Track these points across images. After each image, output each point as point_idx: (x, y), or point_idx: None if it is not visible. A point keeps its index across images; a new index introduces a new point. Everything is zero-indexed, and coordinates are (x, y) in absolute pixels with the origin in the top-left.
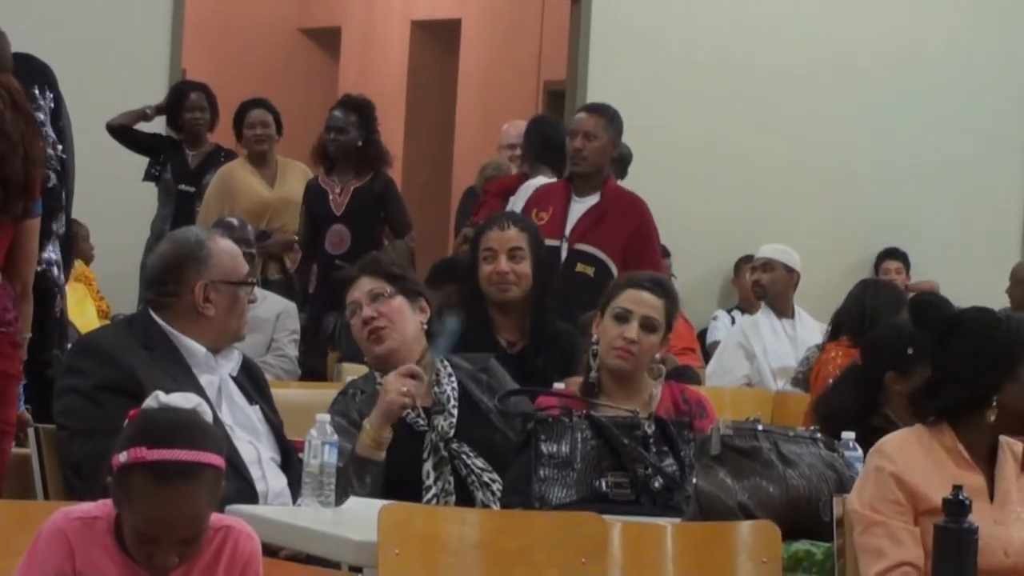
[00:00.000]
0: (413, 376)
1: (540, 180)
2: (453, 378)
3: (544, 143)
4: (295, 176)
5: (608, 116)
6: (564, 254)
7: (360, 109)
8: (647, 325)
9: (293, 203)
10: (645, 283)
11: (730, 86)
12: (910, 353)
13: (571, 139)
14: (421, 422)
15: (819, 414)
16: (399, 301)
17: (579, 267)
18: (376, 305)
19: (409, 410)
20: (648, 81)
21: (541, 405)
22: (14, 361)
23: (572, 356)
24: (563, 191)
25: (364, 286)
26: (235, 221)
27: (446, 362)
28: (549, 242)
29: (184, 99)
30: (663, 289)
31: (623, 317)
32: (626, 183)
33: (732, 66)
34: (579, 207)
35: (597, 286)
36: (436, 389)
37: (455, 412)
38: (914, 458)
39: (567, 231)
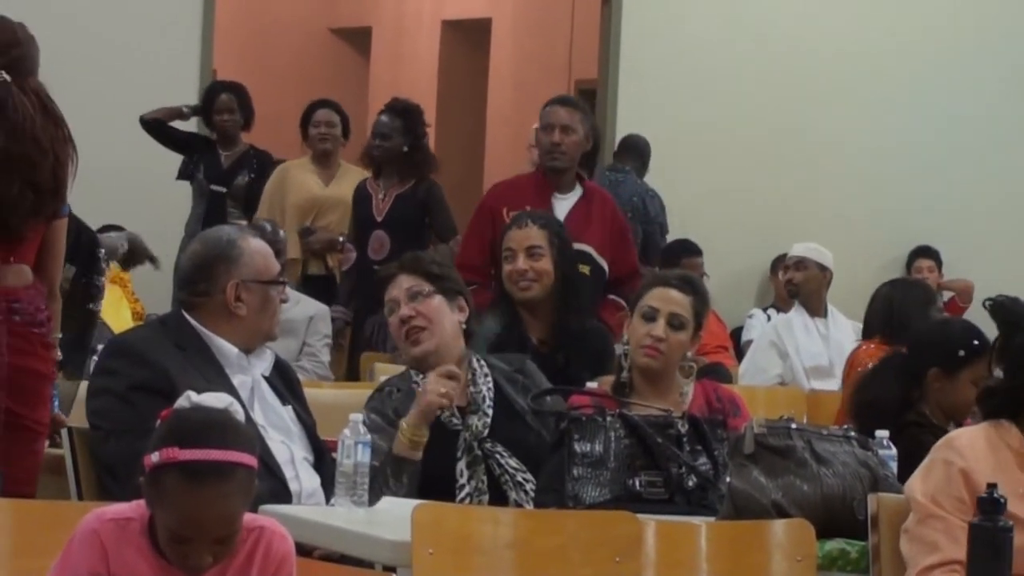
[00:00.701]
0: (451, 377)
1: None
2: (489, 378)
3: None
4: (353, 179)
5: (583, 110)
6: None
7: (406, 114)
8: (675, 323)
9: (343, 203)
10: (672, 280)
11: (763, 83)
12: (960, 355)
13: (546, 133)
14: (456, 421)
15: (857, 400)
16: (438, 300)
17: (579, 267)
18: (414, 304)
19: (444, 410)
20: (680, 79)
21: (574, 404)
22: (47, 362)
23: (604, 355)
24: (538, 187)
25: (403, 284)
26: (267, 224)
27: (482, 362)
28: None
29: (214, 100)
30: (691, 286)
31: (650, 315)
32: (658, 180)
33: (764, 63)
34: (563, 204)
35: (595, 285)
36: (472, 389)
37: (490, 412)
38: (982, 457)
39: None
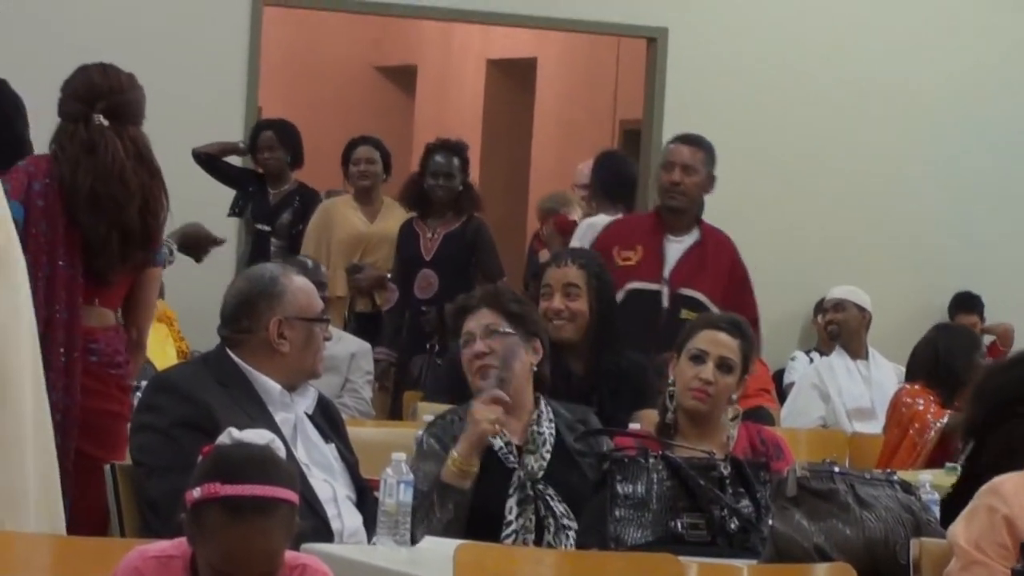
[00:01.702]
0: (498, 402)
1: (602, 218)
2: (553, 423)
3: (614, 179)
4: (397, 216)
5: (707, 149)
6: (666, 299)
7: (461, 153)
8: (723, 365)
9: (389, 240)
10: (722, 324)
11: (810, 125)
12: None
13: (666, 172)
14: (512, 459)
15: (984, 387)
16: (513, 340)
17: (684, 313)
18: (489, 341)
19: (502, 445)
20: (725, 121)
21: (618, 445)
22: (122, 403)
23: (641, 391)
24: (652, 228)
25: (482, 318)
26: (309, 262)
27: (550, 407)
28: (644, 285)
29: (257, 138)
30: (739, 330)
31: (699, 358)
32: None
33: (812, 104)
34: (677, 246)
35: None
36: (534, 428)
37: (547, 456)
38: None
39: (666, 273)
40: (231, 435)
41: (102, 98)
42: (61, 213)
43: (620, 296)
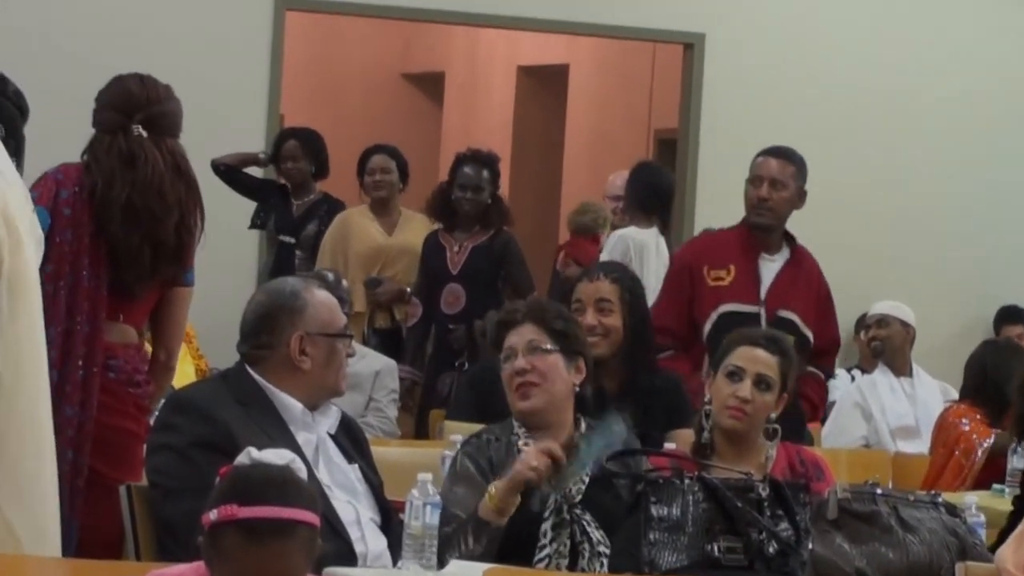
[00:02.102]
0: (553, 458)
1: (633, 231)
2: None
3: (650, 191)
4: (416, 228)
5: (797, 163)
6: (764, 322)
7: (490, 165)
8: (761, 383)
9: (410, 253)
10: (760, 340)
11: (853, 135)
12: None
13: (753, 186)
14: (550, 481)
15: None
16: (555, 358)
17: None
18: (531, 357)
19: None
20: (764, 130)
21: (652, 466)
22: (138, 422)
23: (676, 408)
24: (744, 245)
25: (525, 334)
26: (330, 275)
27: (589, 428)
28: (740, 307)
29: (280, 148)
30: (778, 346)
31: (736, 375)
32: None
33: (854, 117)
34: (771, 266)
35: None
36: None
37: (587, 480)
38: None
39: (763, 294)
40: (250, 455)
41: (140, 109)
42: (88, 223)
43: (712, 318)
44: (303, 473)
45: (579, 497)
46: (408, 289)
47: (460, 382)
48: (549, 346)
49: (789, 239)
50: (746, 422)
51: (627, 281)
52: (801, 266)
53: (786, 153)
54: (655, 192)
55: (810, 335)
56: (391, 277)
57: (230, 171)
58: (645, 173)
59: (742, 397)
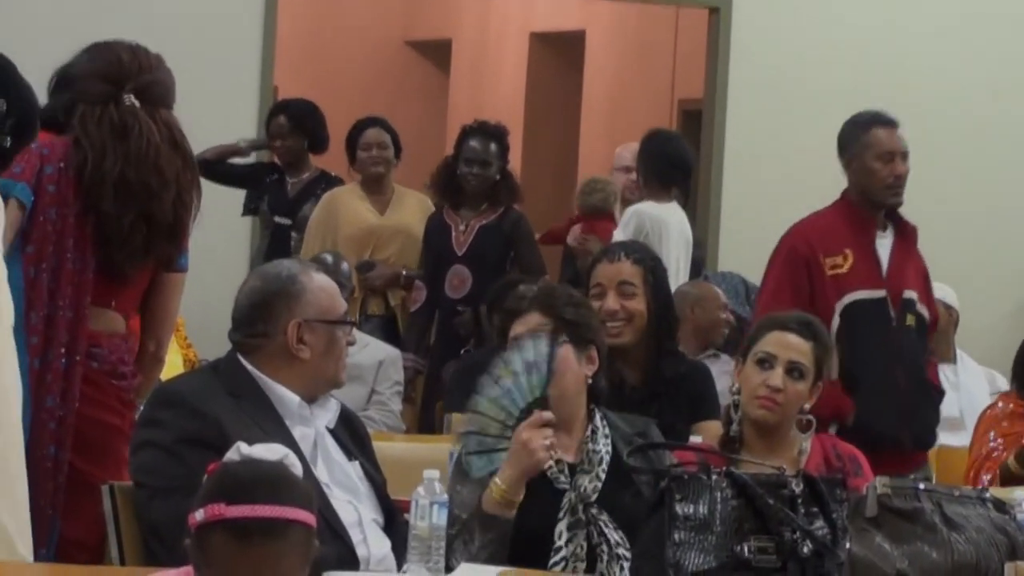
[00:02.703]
0: (548, 424)
1: (650, 206)
2: (609, 440)
3: (664, 162)
4: (411, 206)
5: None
6: (890, 307)
7: (498, 138)
8: (793, 371)
9: (404, 233)
10: (791, 324)
11: (893, 103)
12: None
13: (884, 162)
14: (563, 479)
15: None
16: (565, 350)
17: (908, 319)
18: None
19: (553, 464)
20: (798, 101)
21: (677, 461)
22: (122, 416)
23: (701, 399)
24: (855, 226)
25: (531, 323)
26: (329, 257)
27: (606, 421)
28: (866, 294)
29: (268, 126)
30: (811, 330)
31: (766, 362)
32: (771, 214)
33: (897, 80)
34: (884, 244)
35: (921, 341)
36: (589, 446)
37: (603, 476)
38: None
39: (883, 276)
40: (239, 451)
41: (131, 78)
42: (74, 202)
43: (838, 311)
44: (297, 469)
45: (595, 496)
46: (404, 272)
47: (453, 372)
48: (558, 335)
49: (891, 212)
50: (777, 412)
51: (650, 261)
52: (908, 239)
53: (895, 120)
54: (671, 162)
55: (926, 314)
56: (384, 260)
57: (208, 165)
58: (657, 142)
59: (773, 386)
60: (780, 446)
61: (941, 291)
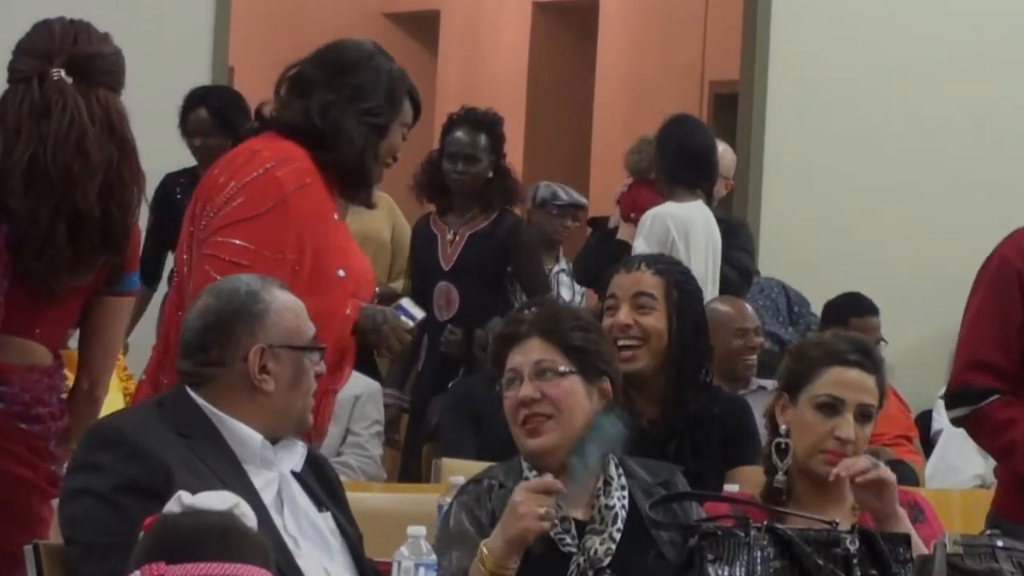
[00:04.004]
0: (550, 492)
1: (671, 208)
2: (626, 492)
3: (685, 155)
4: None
5: None
6: None
7: (490, 128)
8: (863, 416)
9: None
10: (852, 357)
11: (952, 98)
12: None
13: None
14: (569, 541)
15: None
16: (572, 382)
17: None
18: (541, 383)
19: (557, 522)
20: (848, 83)
21: (709, 514)
22: (34, 470)
23: (740, 439)
24: None
25: (532, 352)
26: None
27: (621, 469)
28: None
29: (184, 121)
30: (872, 359)
31: (832, 408)
32: (815, 215)
33: (956, 71)
34: None
35: None
36: (602, 500)
37: (617, 536)
38: None
39: None
40: (181, 500)
41: (63, 51)
42: None
43: None
44: (251, 520)
45: (608, 559)
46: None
47: (441, 408)
48: (563, 367)
49: None
50: None
51: (676, 275)
52: None
53: None
54: (694, 155)
55: None
56: None
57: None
58: (677, 133)
59: (844, 438)
60: (836, 496)
61: None
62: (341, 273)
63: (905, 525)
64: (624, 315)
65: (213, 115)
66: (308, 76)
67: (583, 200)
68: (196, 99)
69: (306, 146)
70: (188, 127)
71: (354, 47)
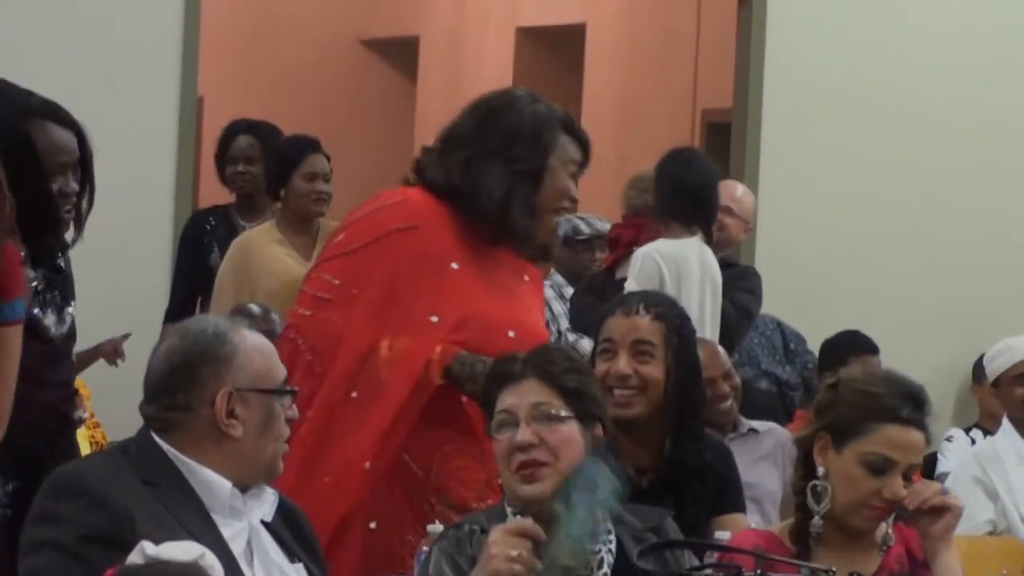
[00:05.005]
0: (528, 536)
1: (661, 245)
2: (612, 536)
3: (682, 190)
4: None
5: None
6: None
7: None
8: (910, 473)
9: None
10: (906, 414)
11: (954, 126)
12: None
13: None
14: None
15: None
16: (571, 428)
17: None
18: (538, 428)
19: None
20: (848, 111)
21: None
22: None
23: (725, 486)
24: None
25: (528, 393)
26: (255, 308)
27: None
28: None
29: (225, 147)
30: (923, 412)
31: (881, 469)
32: (813, 252)
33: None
34: None
35: None
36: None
37: None
38: None
39: None
40: (144, 551)
41: None
42: None
43: None
44: (217, 572)
45: None
46: None
47: None
48: (562, 412)
49: None
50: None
51: (674, 319)
52: None
53: None
54: (690, 190)
55: None
56: None
57: None
58: (674, 165)
59: (895, 497)
60: (865, 542)
61: None
62: (433, 319)
63: (952, 554)
64: (623, 364)
65: (261, 141)
66: (458, 130)
67: (605, 225)
68: (242, 127)
69: (450, 203)
70: (232, 153)
71: (499, 94)
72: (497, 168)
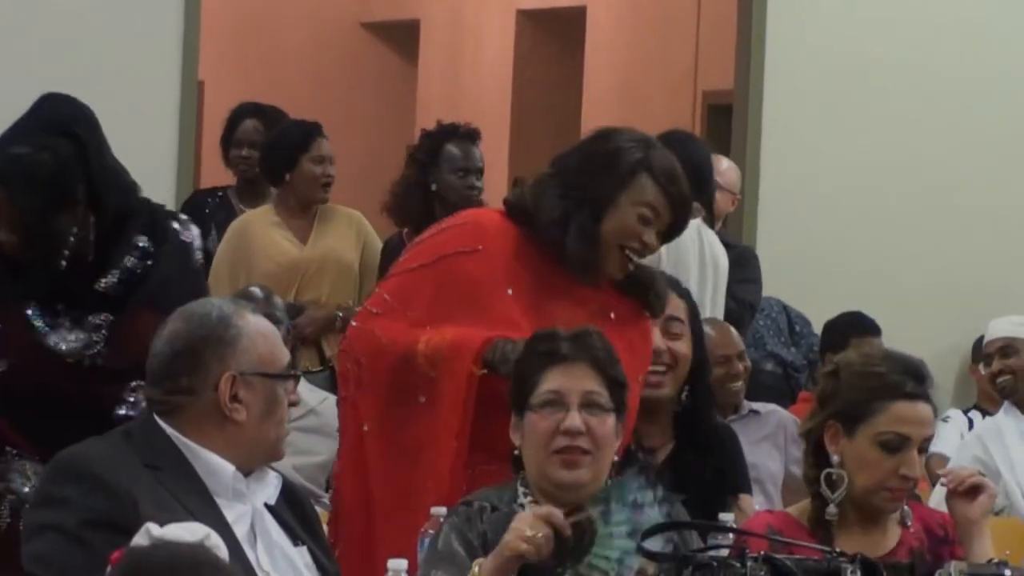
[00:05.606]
0: (553, 524)
1: None
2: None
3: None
4: (339, 227)
5: None
6: None
7: (477, 140)
8: (924, 448)
9: (335, 263)
10: (911, 389)
11: (956, 110)
12: None
13: None
14: (562, 573)
15: None
16: (612, 422)
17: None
18: (588, 416)
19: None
20: (853, 94)
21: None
22: None
23: (732, 468)
24: None
25: (580, 379)
26: (258, 290)
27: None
28: None
29: (232, 130)
30: (926, 384)
31: (897, 446)
32: (815, 234)
33: (959, 83)
34: None
35: None
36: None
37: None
38: None
39: None
40: (149, 533)
41: None
42: None
43: None
44: (222, 552)
45: None
46: (340, 313)
47: None
48: (608, 403)
49: None
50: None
51: (691, 299)
52: None
53: None
54: (688, 171)
55: None
56: (314, 300)
57: None
58: (669, 147)
59: (913, 477)
60: (884, 523)
61: None
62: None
63: (986, 534)
64: (658, 339)
65: (267, 126)
66: (559, 155)
67: None
68: (248, 110)
69: (519, 224)
70: (237, 136)
71: (607, 128)
72: (559, 191)
